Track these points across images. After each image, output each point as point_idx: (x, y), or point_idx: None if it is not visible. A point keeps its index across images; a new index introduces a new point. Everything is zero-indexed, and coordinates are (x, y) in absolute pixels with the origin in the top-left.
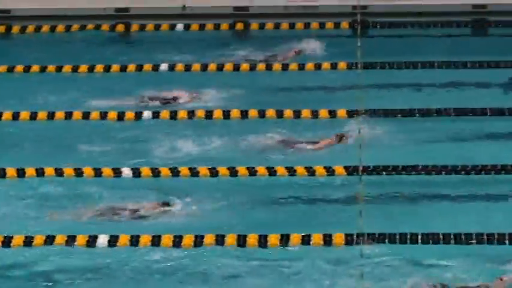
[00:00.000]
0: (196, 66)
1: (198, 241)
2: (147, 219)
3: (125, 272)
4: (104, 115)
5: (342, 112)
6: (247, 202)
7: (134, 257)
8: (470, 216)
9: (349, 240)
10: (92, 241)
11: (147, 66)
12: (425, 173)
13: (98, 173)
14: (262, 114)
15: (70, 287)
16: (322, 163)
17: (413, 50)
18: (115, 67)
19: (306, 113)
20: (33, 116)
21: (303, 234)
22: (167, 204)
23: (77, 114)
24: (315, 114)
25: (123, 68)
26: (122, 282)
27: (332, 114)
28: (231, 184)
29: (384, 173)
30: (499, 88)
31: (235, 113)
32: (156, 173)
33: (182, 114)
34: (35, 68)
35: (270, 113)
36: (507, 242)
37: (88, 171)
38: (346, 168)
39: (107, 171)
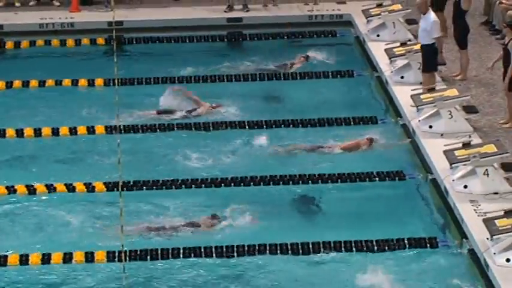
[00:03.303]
0: None
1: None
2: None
3: None
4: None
5: (100, 128)
6: None
7: None
8: None
9: (111, 257)
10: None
11: None
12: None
13: None
14: None
15: None
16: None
17: (169, 65)
18: None
19: (64, 130)
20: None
21: (64, 252)
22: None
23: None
24: (73, 131)
25: None
26: None
27: (90, 130)
28: None
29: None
30: (256, 101)
31: None
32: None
33: None
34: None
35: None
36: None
37: None
38: (106, 184)
39: None
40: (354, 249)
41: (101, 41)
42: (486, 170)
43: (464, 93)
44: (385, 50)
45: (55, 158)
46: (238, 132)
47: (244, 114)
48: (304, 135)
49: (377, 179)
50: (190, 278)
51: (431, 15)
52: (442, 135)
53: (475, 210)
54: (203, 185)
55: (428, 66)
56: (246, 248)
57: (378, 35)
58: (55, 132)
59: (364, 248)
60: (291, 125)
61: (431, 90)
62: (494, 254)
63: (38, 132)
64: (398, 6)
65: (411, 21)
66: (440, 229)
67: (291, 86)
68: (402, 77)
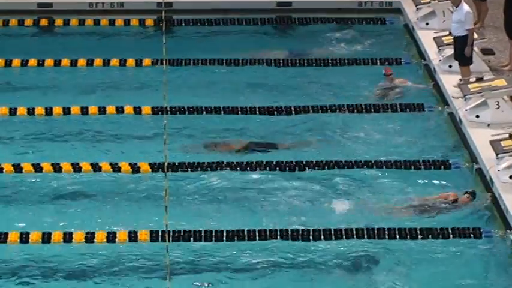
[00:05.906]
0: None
1: None
2: None
3: None
4: None
5: (146, 109)
6: None
7: None
8: None
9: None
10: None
11: None
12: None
13: None
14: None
15: None
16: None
17: (218, 47)
18: None
19: (110, 109)
20: None
21: (107, 231)
22: None
23: None
24: (120, 110)
25: None
26: None
27: (137, 111)
28: None
29: (189, 169)
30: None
31: None
32: None
33: None
34: None
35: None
36: None
37: None
38: (151, 165)
39: None
40: (397, 236)
41: (149, 21)
42: None
43: None
44: (434, 38)
45: (100, 137)
46: None
47: None
48: (352, 121)
49: (422, 167)
50: None
51: (465, 6)
52: (488, 125)
53: None
54: None
55: (463, 59)
56: None
57: (427, 23)
58: (101, 111)
59: (408, 236)
60: (347, 111)
61: (479, 80)
62: None
63: (84, 111)
64: None
65: None
66: (484, 219)
67: (337, 72)
68: (450, 66)
